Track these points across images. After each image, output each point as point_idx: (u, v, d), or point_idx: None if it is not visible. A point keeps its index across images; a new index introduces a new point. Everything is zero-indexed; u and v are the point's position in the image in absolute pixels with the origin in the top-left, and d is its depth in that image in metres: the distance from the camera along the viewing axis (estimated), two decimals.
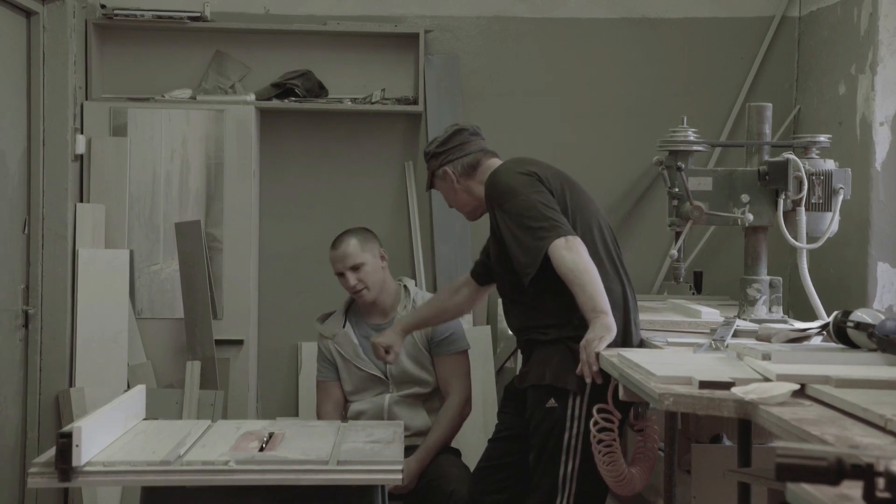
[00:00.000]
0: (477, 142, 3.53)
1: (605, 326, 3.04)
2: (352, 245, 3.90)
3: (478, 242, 4.95)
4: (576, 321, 3.13)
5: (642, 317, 3.69)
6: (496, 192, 3.28)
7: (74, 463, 2.43)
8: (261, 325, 4.90)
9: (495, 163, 3.50)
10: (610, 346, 3.03)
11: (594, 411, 3.04)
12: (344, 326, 3.96)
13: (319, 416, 3.98)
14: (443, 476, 3.73)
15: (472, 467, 3.90)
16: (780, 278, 3.61)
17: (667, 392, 2.31)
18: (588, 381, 3.03)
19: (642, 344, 3.31)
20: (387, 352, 3.67)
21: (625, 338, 3.20)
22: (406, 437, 3.37)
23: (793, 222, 3.45)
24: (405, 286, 4.00)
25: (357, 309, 4.01)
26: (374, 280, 3.90)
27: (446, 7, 4.97)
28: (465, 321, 4.72)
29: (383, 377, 3.90)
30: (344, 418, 3.75)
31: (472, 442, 4.46)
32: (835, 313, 2.76)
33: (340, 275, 3.90)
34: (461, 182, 3.47)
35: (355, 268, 3.87)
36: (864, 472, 1.36)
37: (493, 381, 4.78)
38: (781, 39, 4.96)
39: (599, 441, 2.95)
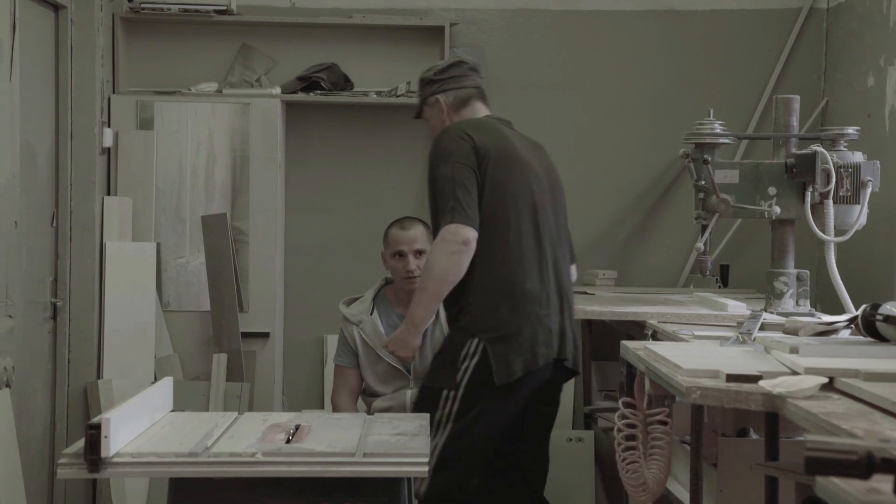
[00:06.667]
0: (474, 78, 3.52)
1: (402, 340, 3.28)
2: (422, 231, 3.89)
3: None
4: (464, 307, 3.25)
5: (667, 310, 3.68)
6: (436, 149, 3.32)
7: (103, 454, 2.44)
8: (286, 317, 4.91)
9: (482, 109, 3.51)
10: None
11: (620, 404, 3.03)
12: (371, 314, 3.95)
13: (334, 404, 3.95)
14: None
15: None
16: (808, 271, 3.58)
17: (694, 385, 2.31)
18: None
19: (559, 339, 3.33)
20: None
21: (510, 333, 3.23)
22: None
23: (820, 215, 3.43)
24: None
25: (386, 297, 3.99)
26: None
27: (471, 0, 4.96)
28: None
29: (405, 371, 3.89)
30: (368, 413, 3.74)
31: None
32: (863, 306, 2.74)
33: (399, 255, 3.86)
34: (450, 114, 3.46)
35: (419, 253, 3.85)
36: (895, 466, 1.36)
37: None
38: (809, 31, 4.92)
39: (626, 442, 2.94)
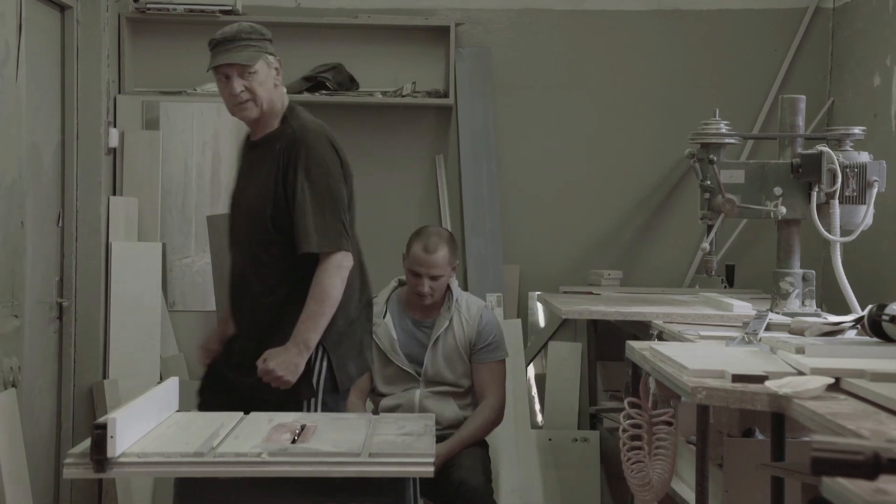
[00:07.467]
0: None
1: (294, 364, 3.11)
2: (444, 256, 3.82)
3: (509, 237, 4.95)
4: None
5: (672, 310, 3.70)
6: (311, 155, 3.15)
7: (109, 454, 2.44)
8: None
9: (285, 95, 3.31)
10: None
11: (626, 404, 3.02)
12: (384, 317, 3.93)
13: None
14: (454, 465, 3.71)
15: (499, 460, 3.89)
16: (814, 271, 3.58)
17: (699, 385, 2.31)
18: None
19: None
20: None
21: (346, 340, 3.24)
22: (437, 430, 3.36)
23: (826, 215, 3.43)
24: (448, 285, 3.92)
25: (399, 300, 3.96)
26: (443, 289, 3.87)
27: (477, 0, 4.96)
28: (496, 314, 4.71)
29: (415, 375, 3.88)
30: (375, 413, 3.74)
31: (503, 435, 4.46)
32: (869, 307, 2.73)
33: (416, 275, 3.82)
34: (278, 85, 3.26)
35: (435, 278, 3.82)
36: None
37: (524, 375, 4.78)
38: (815, 30, 4.92)
39: (631, 442, 2.93)
